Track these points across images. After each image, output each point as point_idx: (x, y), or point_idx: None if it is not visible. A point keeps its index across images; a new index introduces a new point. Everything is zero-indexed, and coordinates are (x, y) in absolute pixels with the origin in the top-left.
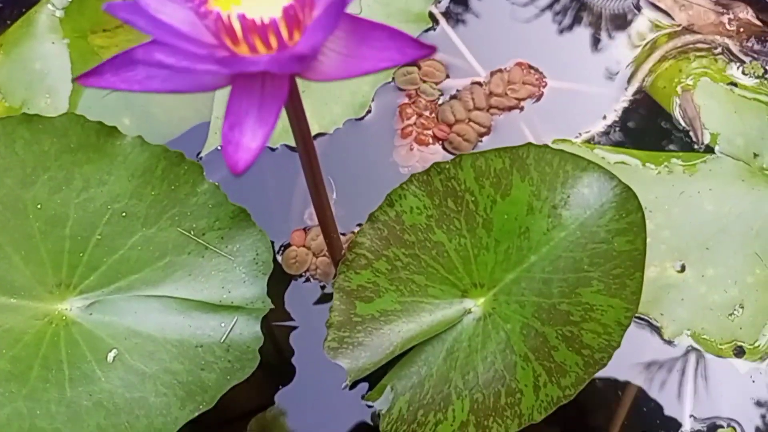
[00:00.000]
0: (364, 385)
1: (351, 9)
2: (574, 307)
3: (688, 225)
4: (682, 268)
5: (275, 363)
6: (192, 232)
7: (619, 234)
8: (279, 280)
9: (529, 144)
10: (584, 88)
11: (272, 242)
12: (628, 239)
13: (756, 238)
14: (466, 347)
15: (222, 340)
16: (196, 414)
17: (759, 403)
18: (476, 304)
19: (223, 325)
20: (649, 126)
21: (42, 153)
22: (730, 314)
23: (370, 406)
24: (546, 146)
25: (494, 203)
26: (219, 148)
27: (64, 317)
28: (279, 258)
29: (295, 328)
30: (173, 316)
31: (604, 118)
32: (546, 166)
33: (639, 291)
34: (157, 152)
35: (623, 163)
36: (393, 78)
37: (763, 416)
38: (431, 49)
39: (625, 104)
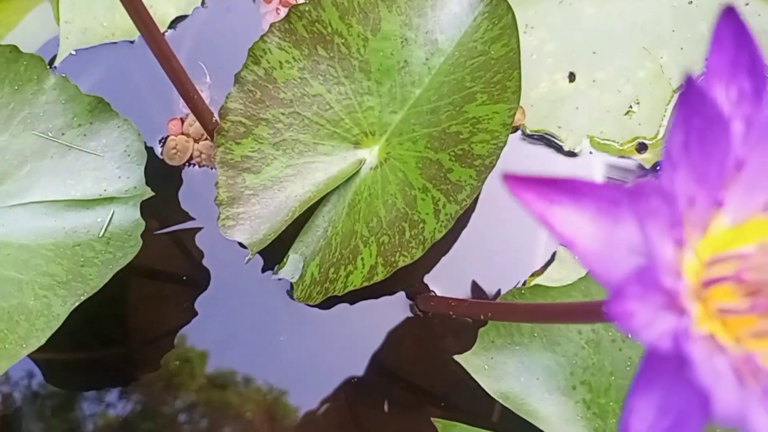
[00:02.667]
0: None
1: None
2: (462, 126)
3: (571, 33)
4: (572, 77)
5: (190, 271)
6: (50, 134)
7: (494, 42)
8: (167, 178)
9: None
10: None
11: (151, 138)
12: (503, 43)
13: (642, 32)
14: (367, 197)
15: (101, 235)
16: (77, 304)
17: None
18: (370, 153)
19: (99, 220)
20: None
21: None
22: (627, 112)
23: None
24: None
25: (366, 42)
26: (73, 52)
27: None
28: (161, 153)
29: (199, 229)
30: (44, 221)
31: None
32: None
33: (518, 88)
34: None
35: None
36: None
37: None
38: None
39: None
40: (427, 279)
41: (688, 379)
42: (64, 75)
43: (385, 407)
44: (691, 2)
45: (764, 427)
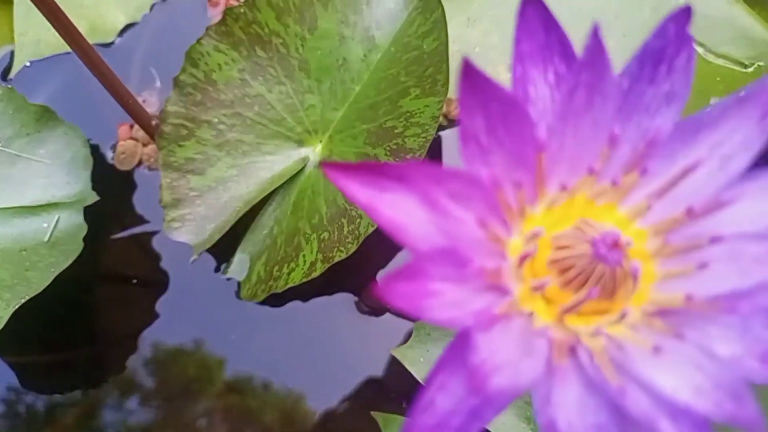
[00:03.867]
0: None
1: None
2: (397, 120)
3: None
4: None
5: (148, 273)
6: (1, 142)
7: (426, 36)
8: (119, 182)
9: None
10: None
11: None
12: (434, 37)
13: (587, 20)
14: (311, 194)
15: (47, 240)
16: (18, 306)
17: None
18: (314, 151)
19: (45, 225)
20: None
21: None
22: None
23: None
24: None
25: (304, 41)
26: (28, 64)
27: None
28: (113, 159)
29: (156, 231)
30: None
31: None
32: None
33: (447, 80)
34: None
35: None
36: None
37: None
38: None
39: None
40: (381, 274)
41: (465, 358)
42: (10, 86)
43: (331, 403)
44: None
45: (564, 401)
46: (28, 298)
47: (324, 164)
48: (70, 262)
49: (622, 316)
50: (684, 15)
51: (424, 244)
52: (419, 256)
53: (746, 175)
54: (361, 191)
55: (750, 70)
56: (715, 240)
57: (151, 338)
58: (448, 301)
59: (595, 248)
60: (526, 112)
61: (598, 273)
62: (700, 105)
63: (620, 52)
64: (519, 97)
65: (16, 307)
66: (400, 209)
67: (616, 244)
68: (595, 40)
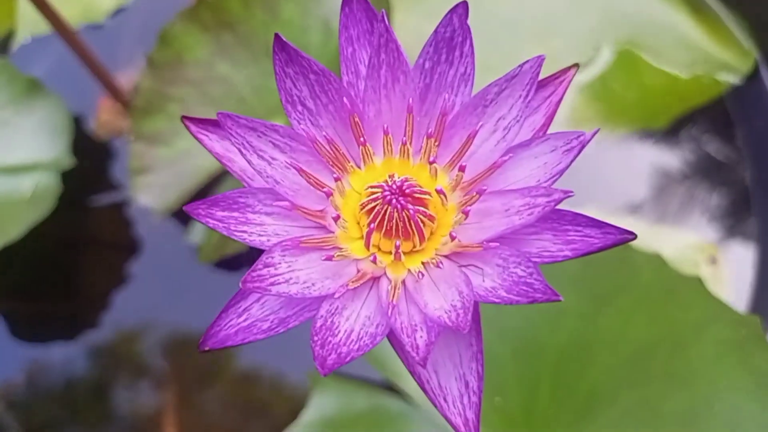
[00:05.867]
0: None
1: None
2: None
3: (470, 24)
4: None
5: (124, 236)
6: None
7: None
8: (100, 153)
9: None
10: None
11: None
12: None
13: (538, 21)
14: None
15: (28, 197)
16: None
17: None
18: None
19: (26, 183)
20: None
21: None
22: None
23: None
24: None
25: (269, 28)
26: (28, 40)
27: None
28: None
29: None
30: None
31: None
32: None
33: None
34: None
35: None
36: None
37: None
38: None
39: None
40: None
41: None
42: (6, 60)
43: (275, 370)
44: None
45: (353, 315)
46: (5, 245)
47: (183, 118)
48: (43, 218)
49: (417, 253)
50: (463, 8)
51: (255, 183)
52: (243, 190)
53: (521, 143)
54: (216, 144)
55: (687, 75)
56: (481, 194)
57: (119, 295)
58: (268, 231)
59: (385, 194)
60: (338, 81)
61: (389, 214)
62: (646, 101)
63: (567, 52)
64: (348, 72)
65: None
66: (238, 156)
67: (403, 192)
68: (383, 26)
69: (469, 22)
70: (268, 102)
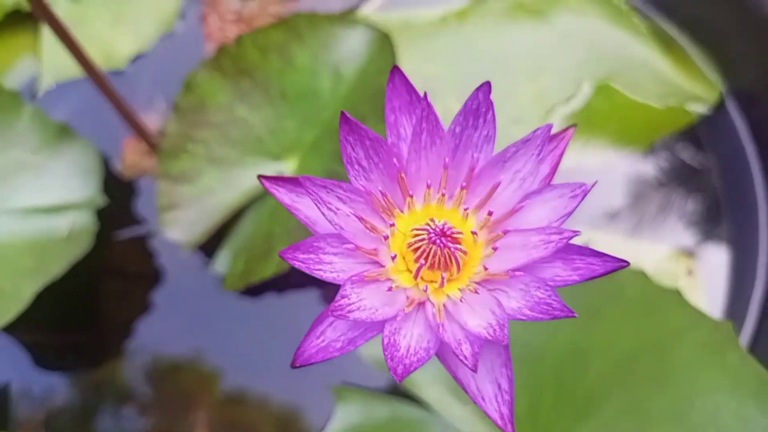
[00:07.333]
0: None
1: None
2: None
3: (465, 62)
4: (460, 99)
5: (150, 269)
6: (30, 153)
7: (382, 73)
8: (127, 191)
9: (297, 14)
10: None
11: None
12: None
13: (526, 60)
14: None
15: (66, 235)
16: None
17: None
18: (289, 165)
19: (64, 223)
20: None
21: None
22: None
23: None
24: (313, 13)
25: (283, 74)
26: (53, 86)
27: None
28: (121, 169)
29: (155, 232)
30: (20, 224)
31: None
32: (319, 31)
33: None
34: None
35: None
36: None
37: None
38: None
39: None
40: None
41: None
42: (37, 106)
43: (297, 388)
44: (567, 35)
45: (408, 333)
46: (47, 283)
47: (260, 177)
48: (83, 254)
49: (454, 281)
50: (486, 86)
51: (323, 230)
52: (316, 237)
53: (535, 190)
54: (284, 196)
55: (661, 106)
56: (506, 233)
57: (145, 325)
58: (336, 268)
59: (430, 235)
60: (388, 145)
61: (434, 252)
62: (624, 130)
63: (555, 87)
64: (391, 135)
65: (39, 290)
66: (308, 208)
67: (444, 233)
68: (426, 102)
69: (466, 66)
70: (282, 141)
